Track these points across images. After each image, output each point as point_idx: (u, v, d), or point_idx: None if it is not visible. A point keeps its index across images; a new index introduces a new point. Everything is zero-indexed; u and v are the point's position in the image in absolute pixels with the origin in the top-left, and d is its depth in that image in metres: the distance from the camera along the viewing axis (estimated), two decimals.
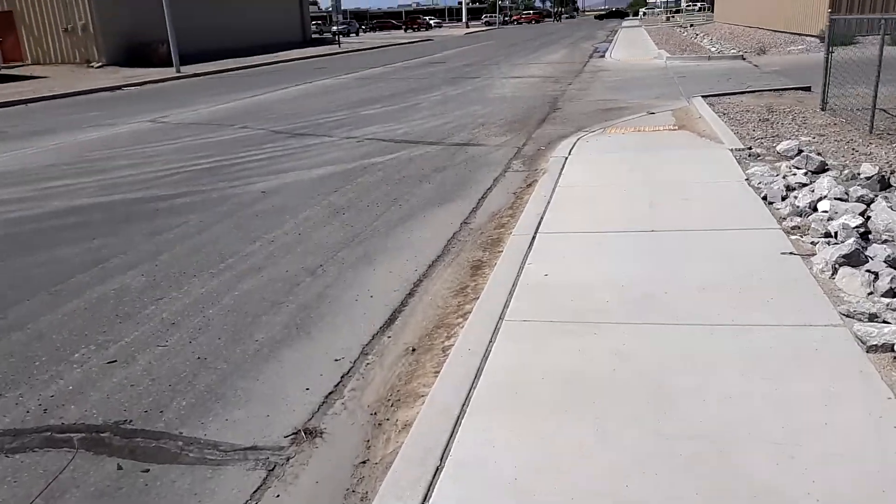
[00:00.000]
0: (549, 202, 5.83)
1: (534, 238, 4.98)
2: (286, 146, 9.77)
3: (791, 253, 4.31)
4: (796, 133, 7.91)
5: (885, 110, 8.56)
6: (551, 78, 17.85)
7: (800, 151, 6.65)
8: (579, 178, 6.65)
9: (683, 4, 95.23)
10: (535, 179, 7.12)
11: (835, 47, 11.88)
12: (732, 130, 8.33)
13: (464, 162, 8.29)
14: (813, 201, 5.02)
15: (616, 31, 45.95)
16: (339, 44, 42.53)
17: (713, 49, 24.39)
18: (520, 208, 6.08)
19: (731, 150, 7.17)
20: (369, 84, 18.70)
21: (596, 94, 14.20)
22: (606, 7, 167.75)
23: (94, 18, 30.88)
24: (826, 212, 4.79)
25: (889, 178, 5.53)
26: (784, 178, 5.78)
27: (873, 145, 7.31)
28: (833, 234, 4.48)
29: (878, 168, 5.68)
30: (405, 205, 6.54)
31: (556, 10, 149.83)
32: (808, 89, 11.79)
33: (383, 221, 6.04)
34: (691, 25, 46.59)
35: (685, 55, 20.81)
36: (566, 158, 7.61)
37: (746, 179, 5.97)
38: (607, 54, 24.46)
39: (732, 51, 22.18)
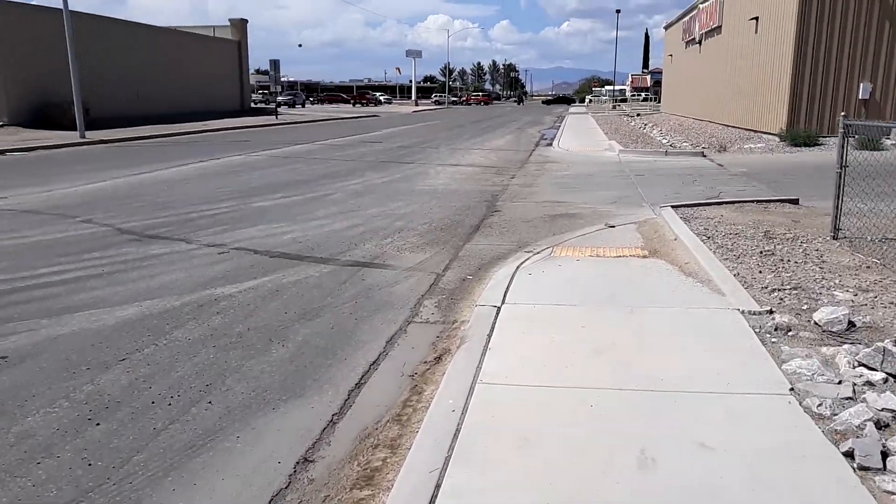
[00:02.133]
0: (459, 428, 3.25)
1: None
2: (117, 257, 7.03)
3: None
4: (820, 279, 5.65)
5: None
6: (493, 168, 15.72)
7: (851, 325, 4.32)
8: (514, 363, 4.09)
9: (628, 94, 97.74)
10: (448, 349, 4.58)
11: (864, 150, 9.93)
12: (730, 269, 6.04)
13: (353, 300, 5.72)
14: None
15: (563, 118, 45.28)
16: (276, 115, 40.35)
17: (665, 141, 23.00)
18: (411, 424, 3.50)
19: (743, 311, 4.79)
20: (284, 164, 16.21)
21: (543, 192, 12.01)
22: (554, 93, 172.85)
23: None
24: None
25: None
26: (859, 395, 3.37)
27: None
28: None
29: None
30: (218, 402, 3.86)
31: (517, 92, 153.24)
32: (795, 202, 9.79)
33: (154, 452, 3.33)
34: (638, 115, 46.35)
35: (639, 148, 19.15)
36: (498, 309, 5.11)
37: (791, 389, 3.55)
38: (555, 142, 22.77)
39: (686, 145, 20.73)
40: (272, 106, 53.13)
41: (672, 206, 9.30)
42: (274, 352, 4.57)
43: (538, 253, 7.24)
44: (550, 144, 22.54)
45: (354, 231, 8.55)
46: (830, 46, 19.14)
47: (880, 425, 3.11)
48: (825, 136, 19.08)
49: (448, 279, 6.37)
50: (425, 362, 4.43)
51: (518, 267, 6.47)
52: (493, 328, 4.66)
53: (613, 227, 8.72)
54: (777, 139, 19.80)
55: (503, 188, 12.48)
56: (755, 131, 22.58)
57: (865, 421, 3.08)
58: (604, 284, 5.85)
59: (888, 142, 17.58)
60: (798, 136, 18.17)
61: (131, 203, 10.34)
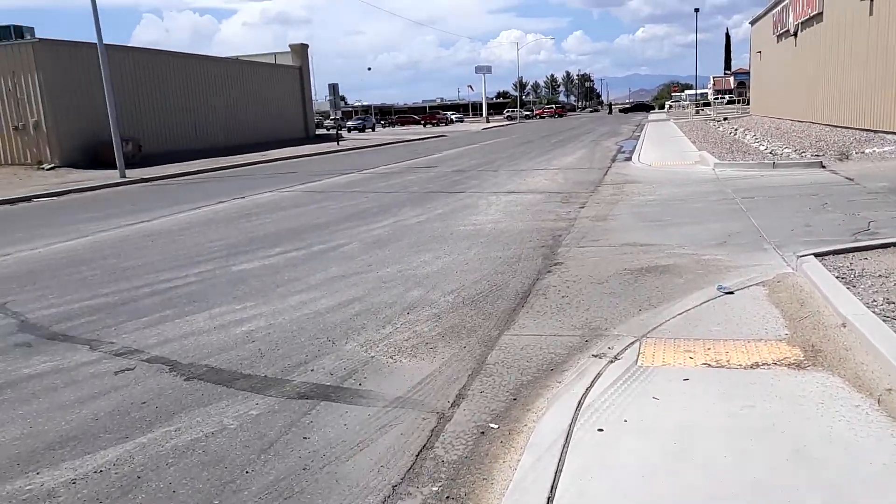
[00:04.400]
0: None
1: None
2: None
3: None
4: None
5: None
6: (559, 194, 12.89)
7: None
8: None
9: (711, 97, 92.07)
10: None
11: None
12: None
13: (265, 497, 3.10)
14: None
15: (643, 126, 41.68)
16: (338, 141, 38.75)
17: (764, 149, 19.46)
18: None
19: None
20: (313, 202, 13.94)
21: (621, 228, 9.12)
22: (630, 100, 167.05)
23: (46, 115, 27.23)
24: None
25: None
26: None
27: None
28: None
29: None
30: None
31: (593, 102, 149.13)
32: None
33: None
34: (725, 119, 42.18)
35: (737, 159, 15.84)
36: None
37: None
38: (634, 156, 19.64)
39: (791, 152, 17.18)
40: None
41: (815, 255, 6.24)
42: None
43: (617, 357, 4.44)
44: (629, 159, 19.45)
45: (345, 313, 5.96)
46: None
47: None
48: None
49: (455, 433, 3.64)
50: None
51: (580, 404, 3.69)
52: None
53: (732, 293, 5.77)
54: None
55: (569, 224, 9.66)
56: (876, 132, 18.75)
57: None
58: (747, 460, 3.00)
59: None
60: None
61: (83, 272, 8.15)
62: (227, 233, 10.58)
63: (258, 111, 41.57)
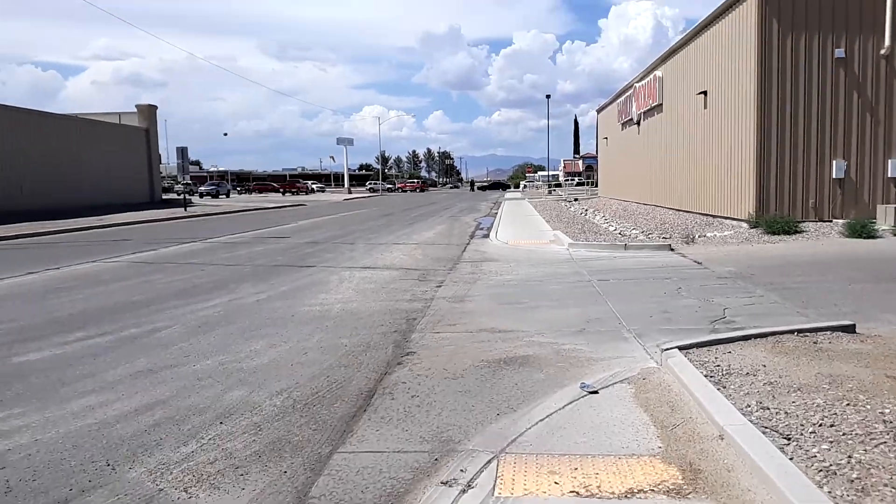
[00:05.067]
0: None
1: None
2: None
3: None
4: None
5: None
6: (416, 271, 12.23)
7: None
8: None
9: (562, 178, 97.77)
10: None
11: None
12: None
13: None
14: None
15: (500, 203, 42.86)
16: (185, 207, 36.37)
17: (613, 230, 20.18)
18: None
19: None
20: (139, 276, 12.34)
21: (479, 310, 8.52)
22: (489, 179, 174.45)
23: None
24: None
25: None
26: None
27: None
28: None
29: None
30: None
31: (453, 179, 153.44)
32: (851, 329, 6.54)
33: None
34: (576, 200, 44.42)
35: (591, 240, 16.09)
36: None
37: None
38: (492, 233, 19.62)
39: (638, 233, 17.85)
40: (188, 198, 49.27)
41: (679, 348, 5.87)
42: None
43: (471, 485, 3.65)
44: (487, 236, 19.36)
45: (140, 423, 4.75)
46: (796, 121, 16.89)
47: None
48: (801, 221, 16.52)
49: None
50: None
51: None
52: None
53: (596, 392, 5.21)
54: (746, 225, 17.14)
55: (425, 305, 8.93)
56: (715, 216, 20.05)
57: None
58: None
59: (880, 226, 15.03)
60: (776, 222, 15.50)
61: None
62: (22, 312, 8.86)
63: (99, 172, 38.42)
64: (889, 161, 16.88)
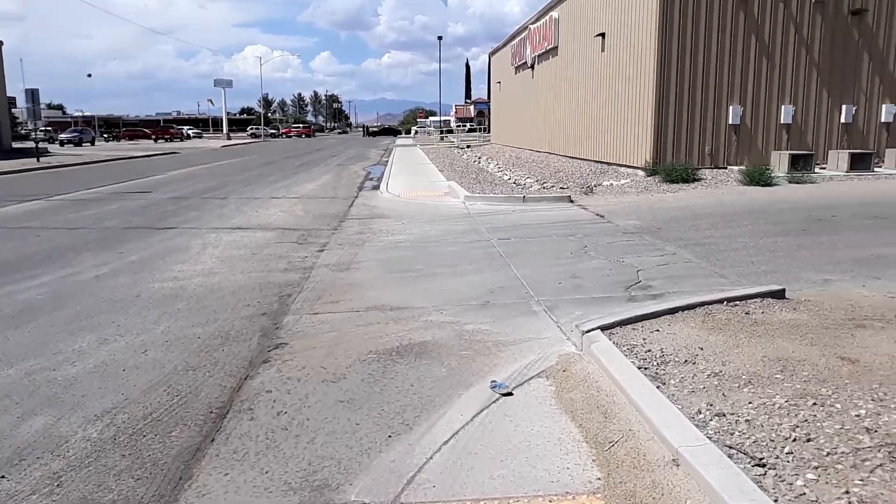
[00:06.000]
0: None
1: None
2: None
3: None
4: None
5: None
6: (295, 232, 10.84)
7: None
8: None
9: (453, 124, 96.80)
10: None
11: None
12: None
13: None
14: None
15: (391, 150, 41.33)
16: (37, 157, 32.40)
17: (507, 178, 19.45)
18: None
19: None
20: None
21: (365, 284, 7.34)
22: (379, 124, 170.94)
23: None
24: None
25: None
26: None
27: None
28: None
29: None
30: None
31: (341, 124, 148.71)
32: (780, 295, 5.90)
33: None
34: (469, 147, 43.60)
35: (487, 192, 15.18)
36: None
37: None
38: (382, 184, 18.31)
39: (532, 182, 17.15)
40: (46, 146, 44.35)
41: (601, 329, 4.98)
42: None
43: None
44: (378, 187, 18.05)
45: None
46: (696, 65, 16.52)
47: None
48: (698, 168, 16.32)
49: None
50: None
51: None
52: None
53: (510, 394, 4.22)
54: (642, 173, 16.79)
55: (303, 276, 7.66)
56: (610, 164, 19.67)
57: None
58: None
59: (775, 173, 15.01)
60: (674, 170, 15.16)
61: None
62: None
63: None
64: (783, 107, 16.92)
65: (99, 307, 6.48)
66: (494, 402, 4.11)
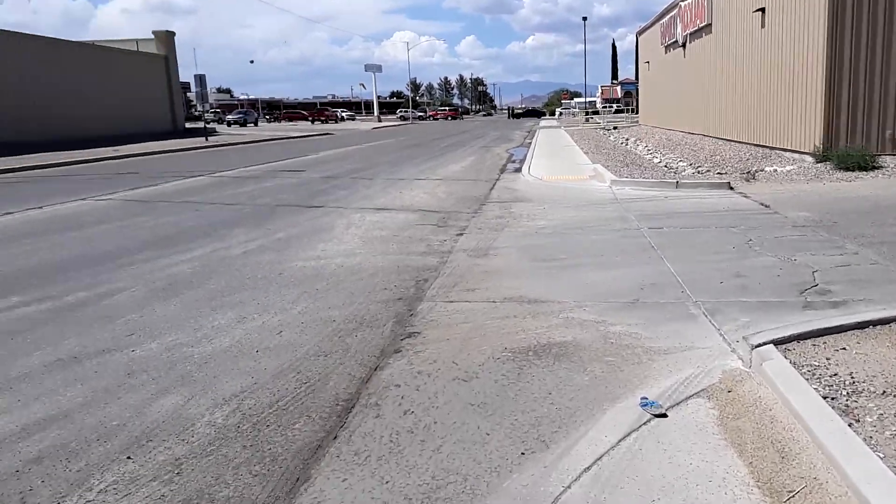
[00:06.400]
0: None
1: None
2: None
3: None
4: None
5: None
6: (436, 213, 10.67)
7: None
8: None
9: (599, 105, 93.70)
10: None
11: None
12: None
13: None
14: None
15: (534, 132, 40.56)
16: (206, 137, 35.00)
17: (658, 161, 18.23)
18: None
19: None
20: (124, 217, 11.02)
21: (503, 272, 6.95)
22: (523, 105, 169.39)
23: None
24: None
25: None
26: None
27: None
28: None
29: None
30: None
31: (486, 106, 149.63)
32: None
33: None
34: (615, 128, 41.81)
35: (636, 176, 14.24)
36: None
37: None
38: (524, 168, 17.78)
39: (685, 166, 15.88)
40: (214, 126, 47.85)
41: (775, 343, 4.26)
42: None
43: None
44: (519, 170, 17.57)
45: (10, 461, 3.38)
46: (874, 39, 14.43)
47: None
48: (877, 155, 14.34)
49: None
50: None
51: None
52: None
53: (665, 415, 3.66)
54: (810, 159, 15.04)
55: (440, 261, 7.40)
56: (773, 148, 17.84)
57: None
58: None
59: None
60: (850, 156, 13.40)
61: None
62: None
63: (116, 101, 37.08)
64: None
65: (243, 283, 6.59)
66: (645, 423, 3.58)
